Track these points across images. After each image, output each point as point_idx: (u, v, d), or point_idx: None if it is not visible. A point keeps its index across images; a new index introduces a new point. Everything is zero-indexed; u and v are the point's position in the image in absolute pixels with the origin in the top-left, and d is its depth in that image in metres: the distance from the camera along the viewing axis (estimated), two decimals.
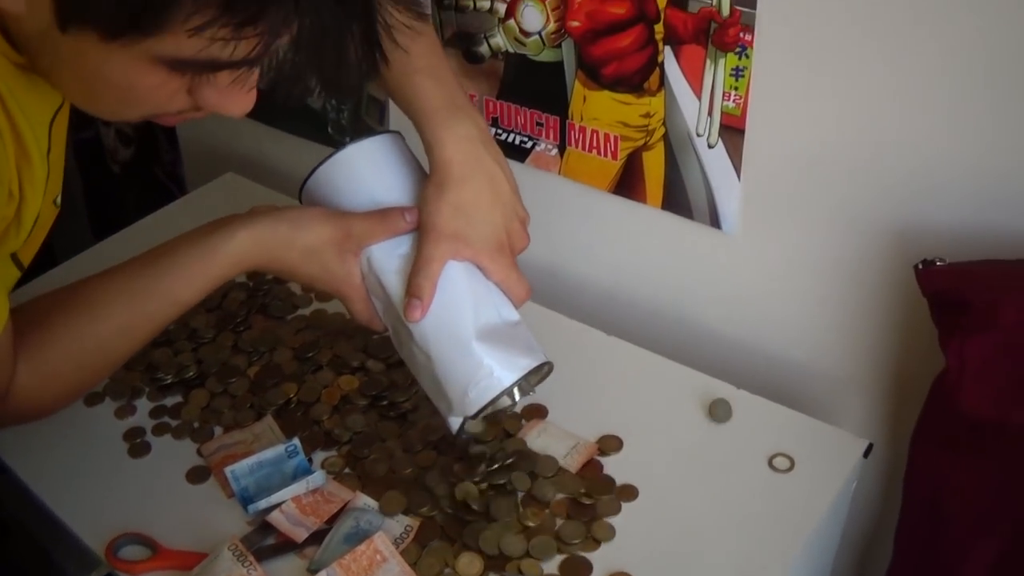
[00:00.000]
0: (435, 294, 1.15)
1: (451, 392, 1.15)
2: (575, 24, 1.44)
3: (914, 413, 1.25)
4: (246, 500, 1.27)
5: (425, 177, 1.20)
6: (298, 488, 1.26)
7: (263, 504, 1.25)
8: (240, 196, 1.82)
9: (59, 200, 1.16)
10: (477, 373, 1.13)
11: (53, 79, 0.95)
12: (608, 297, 1.63)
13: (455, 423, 1.20)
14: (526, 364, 1.16)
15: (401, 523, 1.24)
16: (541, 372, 1.21)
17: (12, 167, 1.01)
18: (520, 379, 1.15)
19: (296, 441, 1.31)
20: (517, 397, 1.22)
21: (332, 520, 1.25)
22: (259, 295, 1.62)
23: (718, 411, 1.35)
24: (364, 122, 1.78)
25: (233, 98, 0.92)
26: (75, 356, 1.17)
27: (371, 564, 1.18)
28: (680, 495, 1.26)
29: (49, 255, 1.68)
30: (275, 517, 1.23)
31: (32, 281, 1.58)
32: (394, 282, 1.18)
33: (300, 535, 1.22)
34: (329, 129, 1.84)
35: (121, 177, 2.40)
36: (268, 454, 1.30)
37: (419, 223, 1.18)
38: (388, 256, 1.18)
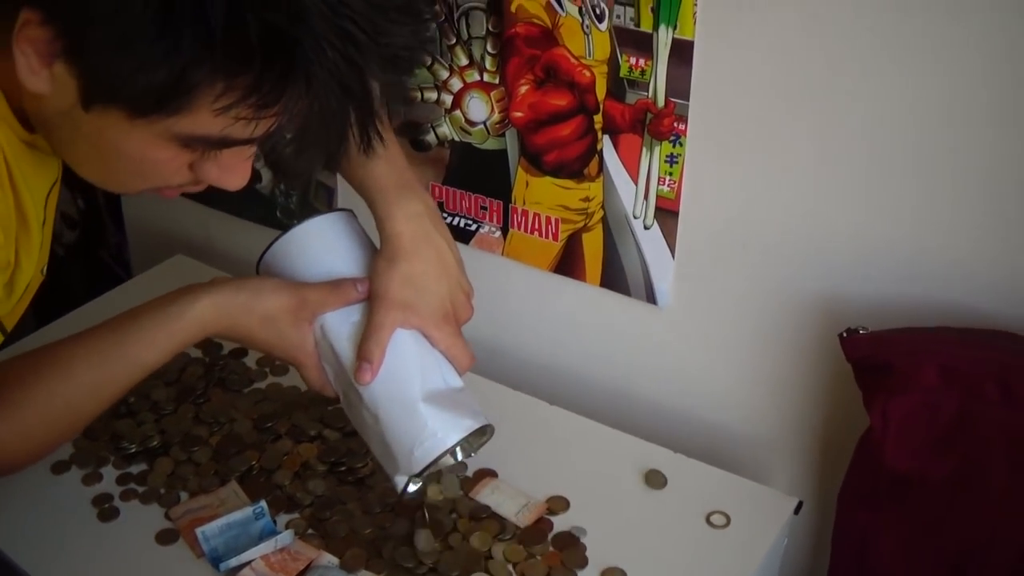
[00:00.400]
0: (384, 359, 1.21)
1: (397, 452, 1.21)
2: (518, 115, 1.54)
3: (841, 473, 1.35)
4: (216, 560, 1.33)
5: (375, 251, 1.27)
6: (267, 547, 1.32)
7: (234, 562, 1.31)
8: (189, 278, 1.83)
9: (45, 269, 1.23)
10: (422, 433, 1.19)
11: (68, 153, 1.03)
12: (550, 370, 1.73)
13: (400, 482, 1.26)
14: (469, 425, 1.22)
15: None
16: (484, 434, 1.27)
17: (12, 238, 1.08)
18: (463, 440, 1.22)
19: (263, 503, 1.37)
20: (460, 457, 1.28)
21: None
22: (216, 369, 1.69)
23: (653, 480, 1.45)
24: (312, 206, 1.86)
25: (233, 172, 1.02)
26: (46, 415, 1.22)
27: None
28: (626, 550, 1.35)
29: None
30: (246, 574, 1.30)
31: None
32: (346, 348, 1.24)
33: None
34: (278, 213, 1.92)
35: (65, 260, 2.44)
36: (236, 516, 1.36)
37: (370, 293, 1.24)
38: (341, 323, 1.25)
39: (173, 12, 0.82)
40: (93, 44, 0.87)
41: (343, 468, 1.48)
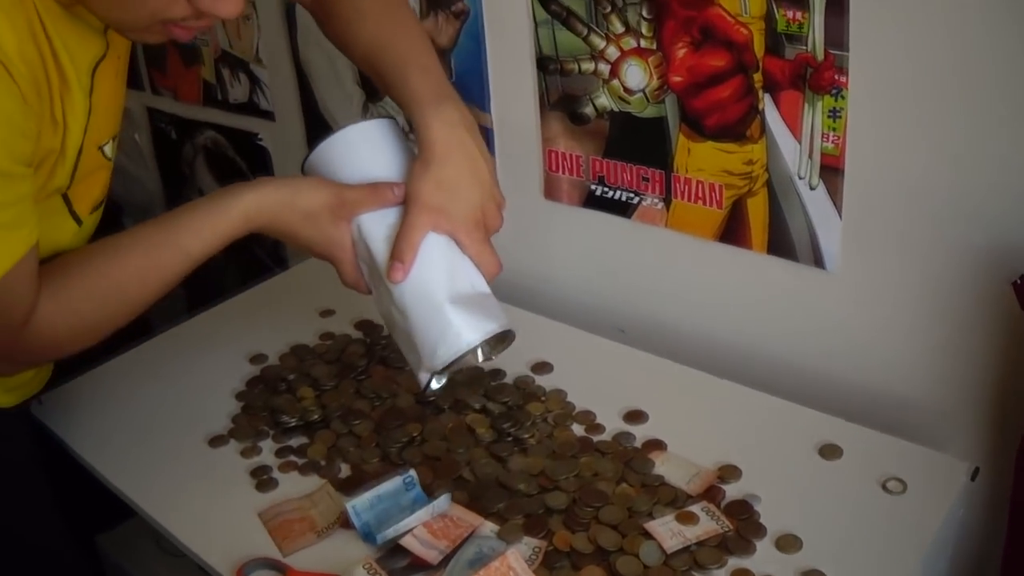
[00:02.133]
0: (416, 260, 1.27)
1: (422, 348, 1.27)
2: (677, 79, 1.50)
3: (1020, 437, 1.28)
4: (368, 534, 1.30)
5: (414, 158, 1.31)
6: (424, 514, 1.29)
7: (391, 533, 1.28)
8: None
9: (110, 152, 1.35)
10: (447, 332, 1.25)
11: None
12: (716, 343, 1.67)
13: (424, 378, 1.30)
14: (491, 328, 1.27)
15: (529, 545, 1.27)
16: (505, 339, 1.32)
17: (56, 93, 1.18)
18: (485, 341, 1.28)
19: (412, 472, 1.35)
20: (480, 358, 1.34)
21: (460, 545, 1.28)
22: (377, 348, 1.68)
23: (828, 451, 1.39)
24: None
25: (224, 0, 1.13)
26: (95, 295, 1.29)
27: None
28: (801, 518, 1.29)
29: (145, 326, 1.78)
30: (408, 541, 1.27)
31: (125, 353, 1.75)
32: (381, 248, 1.29)
33: (434, 557, 1.25)
34: None
35: (220, 257, 2.44)
36: (386, 487, 1.34)
37: (406, 197, 1.29)
38: (377, 224, 1.30)
39: None
40: None
41: (509, 438, 1.45)
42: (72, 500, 1.59)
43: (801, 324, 1.56)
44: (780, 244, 1.52)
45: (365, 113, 2.04)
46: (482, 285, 1.31)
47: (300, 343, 1.73)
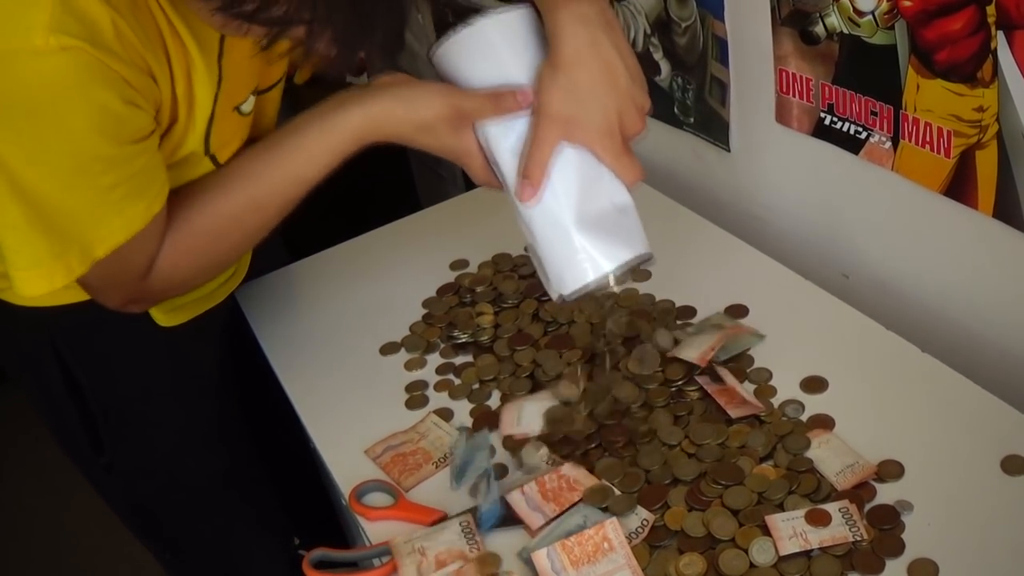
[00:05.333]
0: (546, 176, 1.18)
1: (549, 271, 1.20)
2: (907, 4, 1.31)
3: None
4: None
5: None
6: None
7: (494, 493, 1.22)
8: None
9: (247, 108, 1.36)
10: (573, 259, 1.18)
11: None
12: (927, 310, 1.48)
13: (554, 294, 1.22)
14: (621, 256, 1.19)
15: (639, 516, 1.18)
16: (644, 260, 1.22)
17: (180, 68, 1.19)
18: (614, 269, 1.18)
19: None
20: (612, 282, 1.21)
21: (567, 510, 1.20)
22: None
23: (1011, 464, 1.18)
24: (707, 103, 1.71)
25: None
26: (210, 230, 1.29)
27: (596, 550, 1.14)
28: (951, 542, 1.11)
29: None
30: (515, 498, 1.22)
31: (338, 246, 1.76)
32: (507, 160, 1.21)
33: (535, 522, 1.19)
34: (675, 109, 1.79)
35: None
36: None
37: (534, 107, 1.18)
38: (502, 135, 1.22)
39: None
40: None
41: (673, 388, 1.34)
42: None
43: (1019, 304, 1.35)
44: (1007, 208, 1.30)
45: None
46: (621, 197, 1.21)
47: (503, 252, 1.67)
